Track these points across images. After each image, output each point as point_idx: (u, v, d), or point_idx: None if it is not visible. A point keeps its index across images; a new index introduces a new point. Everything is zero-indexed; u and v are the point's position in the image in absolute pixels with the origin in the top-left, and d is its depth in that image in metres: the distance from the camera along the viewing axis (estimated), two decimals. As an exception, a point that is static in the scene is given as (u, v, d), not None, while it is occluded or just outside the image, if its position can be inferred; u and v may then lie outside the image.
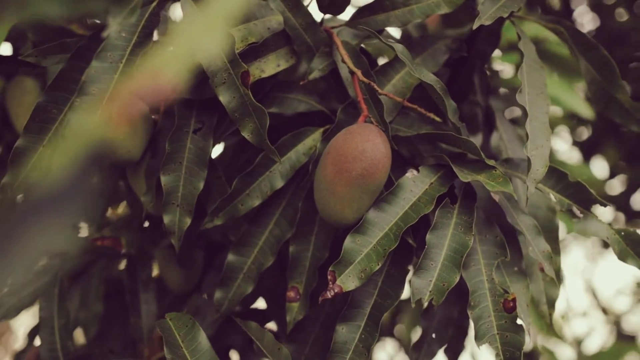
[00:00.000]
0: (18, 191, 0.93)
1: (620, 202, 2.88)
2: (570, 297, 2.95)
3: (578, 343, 2.77)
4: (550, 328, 1.16)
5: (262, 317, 1.29)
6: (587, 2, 2.80)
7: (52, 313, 1.14)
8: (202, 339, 0.94)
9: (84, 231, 1.36)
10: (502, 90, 1.69)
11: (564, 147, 2.75)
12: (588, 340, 2.85)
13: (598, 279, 3.09)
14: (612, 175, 2.89)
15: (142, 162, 1.07)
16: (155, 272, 1.38)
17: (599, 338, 2.96)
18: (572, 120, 2.44)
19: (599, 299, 3.03)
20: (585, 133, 2.70)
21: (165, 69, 0.41)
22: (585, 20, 2.86)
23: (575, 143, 2.74)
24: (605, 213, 2.91)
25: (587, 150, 2.78)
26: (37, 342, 1.17)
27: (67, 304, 1.15)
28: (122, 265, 1.50)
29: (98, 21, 1.20)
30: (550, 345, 2.42)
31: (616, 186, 2.92)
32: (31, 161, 0.95)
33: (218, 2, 0.45)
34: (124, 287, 1.31)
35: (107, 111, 0.38)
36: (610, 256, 3.03)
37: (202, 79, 1.01)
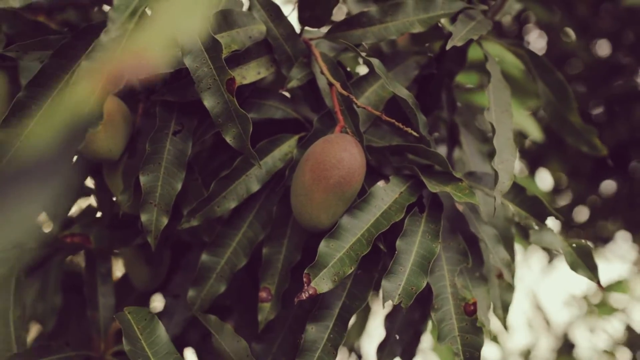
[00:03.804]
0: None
1: (563, 215, 3.02)
2: (518, 309, 3.06)
3: (526, 354, 2.87)
4: (505, 330, 1.23)
5: (226, 313, 1.31)
6: (535, 22, 2.94)
7: (7, 304, 1.13)
8: (161, 331, 0.95)
9: (47, 226, 1.35)
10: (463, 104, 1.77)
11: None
12: (534, 350, 2.96)
13: (544, 293, 3.21)
14: (556, 188, 3.03)
15: (120, 162, 1.09)
16: (115, 266, 1.38)
17: (544, 349, 3.08)
18: (520, 136, 2.55)
19: (544, 311, 3.15)
20: (532, 147, 2.82)
21: (148, 47, 0.43)
22: (532, 38, 3.00)
23: (522, 153, 2.86)
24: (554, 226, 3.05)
25: (533, 162, 2.90)
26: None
27: (23, 296, 1.14)
28: (81, 258, 1.48)
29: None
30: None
31: (558, 199, 3.05)
32: (8, 155, 0.96)
33: None
34: (82, 280, 1.30)
35: (92, 85, 0.40)
36: (555, 271, 3.16)
37: (184, 82, 1.03)
